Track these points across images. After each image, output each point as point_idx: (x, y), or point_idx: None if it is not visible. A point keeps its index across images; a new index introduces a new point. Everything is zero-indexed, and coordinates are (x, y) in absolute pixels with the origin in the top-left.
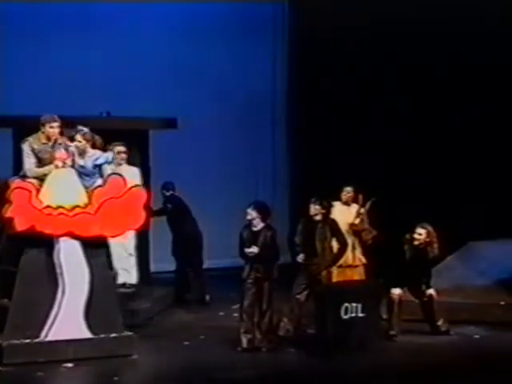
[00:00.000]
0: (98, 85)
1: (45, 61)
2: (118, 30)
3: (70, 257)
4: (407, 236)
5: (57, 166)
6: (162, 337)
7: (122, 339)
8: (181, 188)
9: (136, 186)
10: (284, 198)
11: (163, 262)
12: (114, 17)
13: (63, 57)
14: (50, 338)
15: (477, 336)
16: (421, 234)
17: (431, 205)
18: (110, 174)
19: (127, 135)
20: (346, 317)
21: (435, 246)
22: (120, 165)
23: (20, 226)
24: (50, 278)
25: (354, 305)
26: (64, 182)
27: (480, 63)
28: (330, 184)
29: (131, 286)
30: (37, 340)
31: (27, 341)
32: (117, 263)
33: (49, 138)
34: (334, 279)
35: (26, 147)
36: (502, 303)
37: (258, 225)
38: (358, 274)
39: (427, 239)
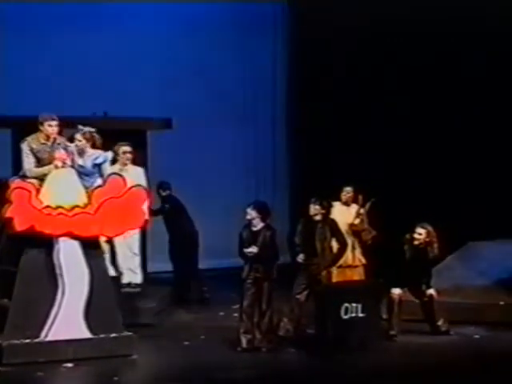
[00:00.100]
0: (98, 85)
1: (44, 61)
2: (118, 30)
3: (70, 257)
4: (407, 236)
5: (56, 166)
6: (162, 337)
7: (121, 339)
8: (181, 188)
9: (136, 185)
10: (284, 198)
11: (160, 262)
12: (115, 17)
13: (63, 57)
14: (50, 338)
15: (477, 336)
16: (421, 233)
17: (431, 205)
18: (109, 174)
19: (125, 135)
20: (346, 317)
21: (435, 245)
22: (125, 165)
23: (20, 225)
24: (50, 278)
25: (353, 305)
26: (64, 182)
27: (480, 63)
28: (330, 184)
29: (137, 285)
30: (37, 340)
31: (27, 341)
32: (122, 263)
33: (48, 137)
34: (334, 279)
35: (24, 147)
36: (502, 303)
37: (258, 225)
38: (357, 274)
39: (427, 239)
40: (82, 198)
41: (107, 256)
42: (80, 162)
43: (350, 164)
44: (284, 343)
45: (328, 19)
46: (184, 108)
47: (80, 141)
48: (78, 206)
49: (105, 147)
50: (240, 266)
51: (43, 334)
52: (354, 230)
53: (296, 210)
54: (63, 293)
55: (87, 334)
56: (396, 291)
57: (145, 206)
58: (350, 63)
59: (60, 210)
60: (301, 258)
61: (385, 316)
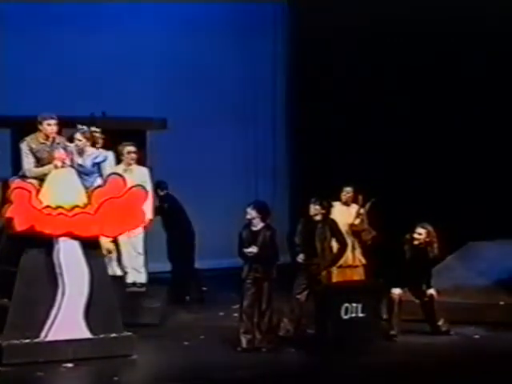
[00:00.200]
0: (98, 85)
1: (44, 61)
2: (118, 30)
3: (70, 257)
4: (407, 236)
5: (56, 166)
6: (162, 337)
7: (121, 339)
8: (180, 188)
9: (136, 186)
10: (284, 198)
11: (158, 262)
12: (115, 17)
13: (62, 57)
14: (50, 338)
15: (477, 336)
16: (421, 233)
17: (431, 205)
18: (109, 174)
19: (124, 135)
20: (346, 317)
21: (435, 245)
22: (130, 165)
23: (20, 225)
24: (50, 278)
25: (354, 305)
26: (64, 182)
27: (480, 63)
28: (330, 184)
29: (142, 285)
30: (37, 340)
31: (27, 341)
32: (126, 262)
33: (47, 137)
34: (334, 279)
35: (24, 147)
36: (502, 303)
37: (258, 224)
38: (357, 274)
39: (427, 239)
40: (81, 198)
41: (114, 255)
42: (80, 161)
43: (350, 164)
44: (284, 343)
45: (328, 19)
46: (184, 108)
47: (80, 140)
48: (77, 206)
49: (104, 147)
50: (240, 265)
51: (43, 334)
52: (354, 230)
53: (296, 210)
54: (63, 293)
55: (87, 334)
56: (396, 291)
57: (147, 206)
58: (350, 63)
59: (60, 210)
60: (301, 257)
61: (385, 316)
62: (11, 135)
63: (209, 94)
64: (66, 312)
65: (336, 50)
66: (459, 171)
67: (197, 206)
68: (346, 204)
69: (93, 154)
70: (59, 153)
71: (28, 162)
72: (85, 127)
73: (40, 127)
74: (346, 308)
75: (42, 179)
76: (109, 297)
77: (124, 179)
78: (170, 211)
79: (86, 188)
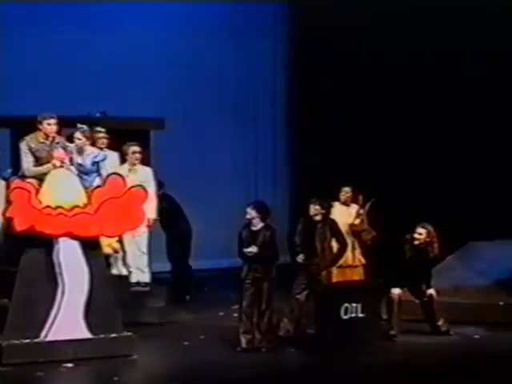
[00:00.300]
0: (98, 85)
1: (44, 61)
2: (118, 30)
3: (70, 257)
4: (407, 236)
5: (55, 166)
6: (162, 337)
7: (121, 339)
8: (180, 188)
9: (136, 186)
10: (284, 198)
11: (158, 262)
12: (115, 17)
13: (62, 57)
14: (50, 338)
15: (477, 336)
16: (421, 233)
17: (431, 205)
18: (109, 174)
19: (127, 135)
20: (345, 317)
21: (435, 245)
22: (134, 165)
23: (20, 225)
24: (50, 278)
25: (353, 305)
26: (63, 182)
27: (480, 63)
28: (330, 184)
29: (145, 284)
30: (37, 340)
31: (27, 341)
32: (131, 262)
33: (47, 136)
34: (334, 279)
35: (23, 146)
36: (502, 303)
37: (258, 224)
38: (357, 274)
39: (427, 239)
40: (81, 198)
41: (120, 255)
42: (79, 160)
43: (349, 164)
44: (284, 343)
45: (328, 19)
46: (184, 108)
47: (79, 139)
48: (77, 206)
49: (109, 147)
50: (240, 265)
51: (43, 334)
52: (354, 230)
53: (296, 210)
54: (63, 293)
55: (87, 334)
56: (396, 291)
57: (151, 206)
58: (350, 63)
59: (60, 210)
60: (301, 258)
61: (385, 316)
62: (11, 135)
63: (209, 94)
64: (66, 312)
65: (336, 50)
66: (459, 171)
67: (197, 206)
68: (346, 204)
69: (92, 153)
70: (58, 152)
71: (27, 162)
72: (84, 126)
73: (40, 127)
74: (346, 308)
75: (41, 179)
76: (109, 297)
77: (124, 179)
78: (168, 211)
79: (86, 187)
